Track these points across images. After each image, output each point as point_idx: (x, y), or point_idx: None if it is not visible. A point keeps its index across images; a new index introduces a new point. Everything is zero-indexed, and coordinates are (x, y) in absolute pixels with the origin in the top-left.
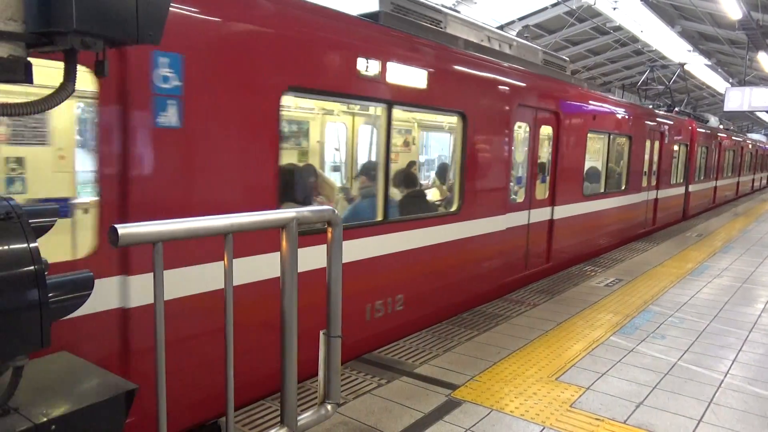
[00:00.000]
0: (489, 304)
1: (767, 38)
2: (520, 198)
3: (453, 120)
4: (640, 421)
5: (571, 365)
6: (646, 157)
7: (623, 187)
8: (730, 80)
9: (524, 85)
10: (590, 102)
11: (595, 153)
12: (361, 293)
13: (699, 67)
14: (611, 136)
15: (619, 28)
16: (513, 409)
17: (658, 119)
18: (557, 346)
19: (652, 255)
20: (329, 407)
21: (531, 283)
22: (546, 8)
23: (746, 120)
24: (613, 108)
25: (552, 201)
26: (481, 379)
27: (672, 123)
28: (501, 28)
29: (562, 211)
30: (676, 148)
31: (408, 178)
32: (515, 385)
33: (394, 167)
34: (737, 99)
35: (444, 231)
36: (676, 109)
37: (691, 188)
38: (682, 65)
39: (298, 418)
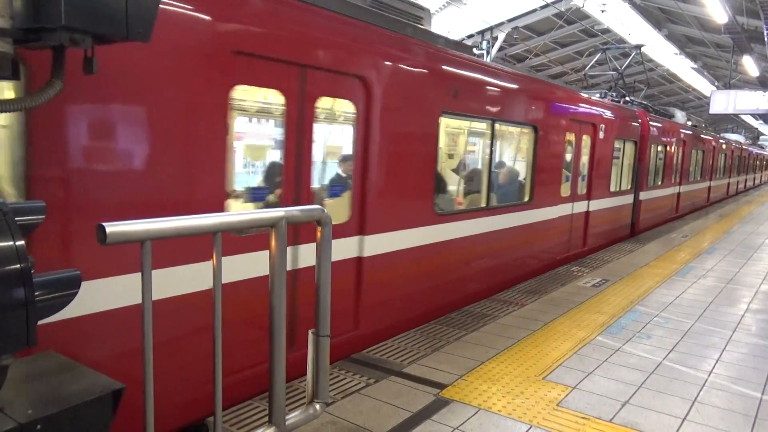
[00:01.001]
0: (476, 304)
1: (752, 42)
2: (251, 229)
3: None
4: (626, 419)
5: (558, 365)
6: (568, 156)
7: (526, 199)
8: (716, 83)
9: (249, 19)
10: (448, 69)
11: (469, 149)
12: None
13: (685, 70)
14: (497, 125)
15: (607, 31)
16: (500, 408)
17: (585, 107)
18: (544, 345)
19: (638, 256)
20: (318, 406)
21: (297, 377)
22: (535, 10)
23: (731, 122)
24: (497, 83)
25: (360, 227)
26: (469, 379)
27: (610, 114)
28: (491, 29)
29: (384, 243)
30: (618, 145)
31: None
32: (503, 384)
33: None
34: (722, 102)
35: None
36: (627, 98)
37: (642, 196)
38: (638, 47)
39: (287, 417)
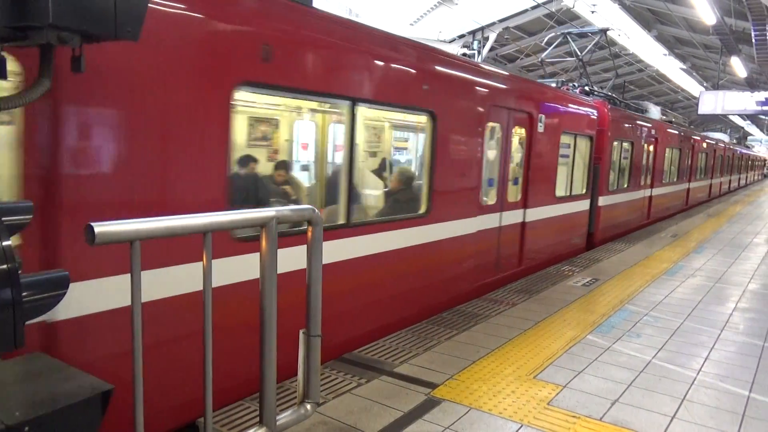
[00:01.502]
0: (468, 304)
1: (740, 43)
2: None
3: None
4: (616, 418)
5: (549, 363)
6: (491, 154)
7: (421, 211)
8: (705, 84)
9: None
10: (248, 16)
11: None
12: None
13: (674, 71)
14: (361, 107)
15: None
16: (491, 408)
17: (515, 90)
18: (535, 344)
19: (628, 255)
20: (308, 407)
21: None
22: (526, 11)
23: (719, 123)
24: (357, 47)
25: (77, 270)
26: (460, 378)
27: (554, 102)
28: (482, 29)
29: (119, 295)
30: (567, 141)
31: None
32: (494, 383)
33: None
34: (711, 102)
35: None
36: (587, 87)
37: (602, 201)
38: (603, 31)
39: (277, 417)
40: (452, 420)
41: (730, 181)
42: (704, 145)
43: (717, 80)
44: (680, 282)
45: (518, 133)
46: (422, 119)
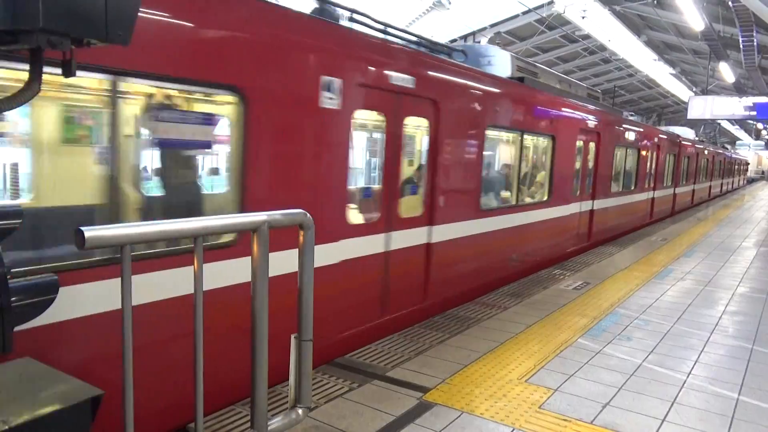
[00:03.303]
0: (460, 308)
1: (728, 49)
2: None
3: None
4: (607, 421)
5: (540, 367)
6: None
7: None
8: (694, 89)
9: None
10: None
11: None
12: None
13: (664, 76)
14: None
15: (587, 37)
16: (483, 411)
17: None
18: (527, 348)
19: (618, 259)
20: (300, 411)
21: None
22: (517, 15)
23: (708, 127)
24: None
25: None
26: (452, 382)
27: None
28: (473, 34)
29: None
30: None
31: None
32: (486, 387)
33: None
34: (700, 107)
35: None
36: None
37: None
38: None
39: (269, 422)
40: (444, 424)
41: (693, 191)
42: (634, 136)
43: (706, 85)
44: (670, 285)
45: None
46: None
